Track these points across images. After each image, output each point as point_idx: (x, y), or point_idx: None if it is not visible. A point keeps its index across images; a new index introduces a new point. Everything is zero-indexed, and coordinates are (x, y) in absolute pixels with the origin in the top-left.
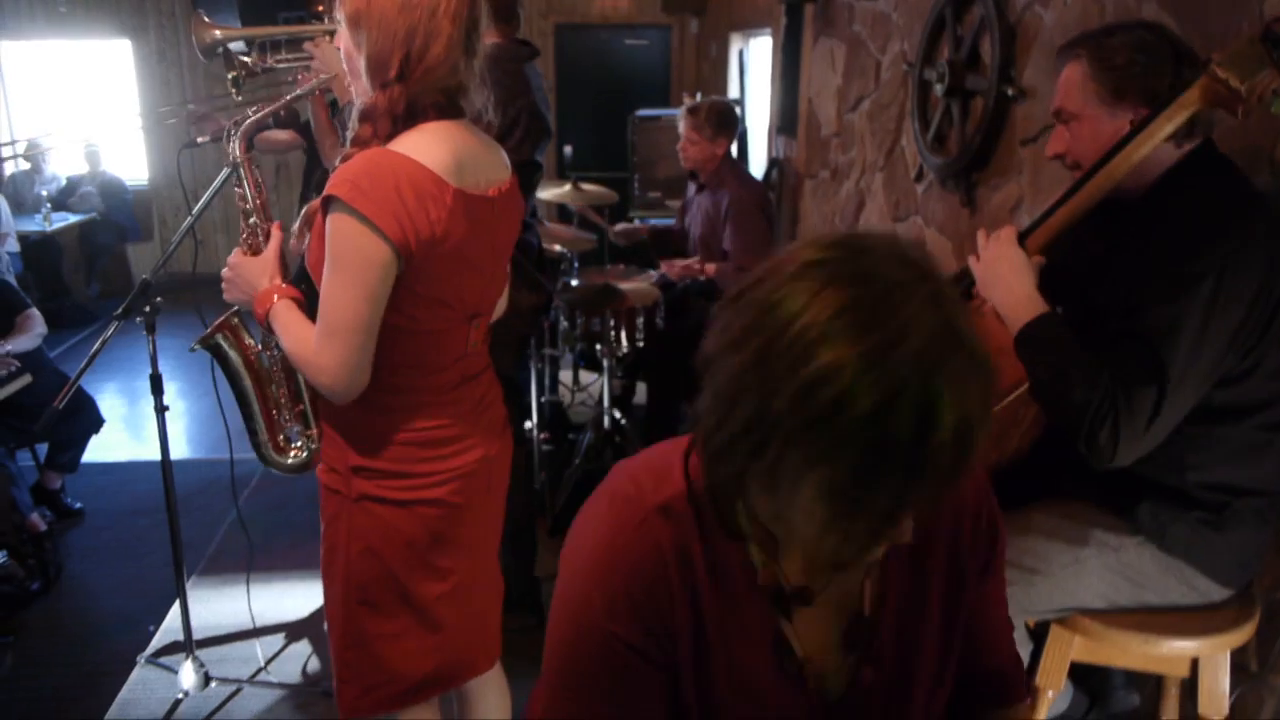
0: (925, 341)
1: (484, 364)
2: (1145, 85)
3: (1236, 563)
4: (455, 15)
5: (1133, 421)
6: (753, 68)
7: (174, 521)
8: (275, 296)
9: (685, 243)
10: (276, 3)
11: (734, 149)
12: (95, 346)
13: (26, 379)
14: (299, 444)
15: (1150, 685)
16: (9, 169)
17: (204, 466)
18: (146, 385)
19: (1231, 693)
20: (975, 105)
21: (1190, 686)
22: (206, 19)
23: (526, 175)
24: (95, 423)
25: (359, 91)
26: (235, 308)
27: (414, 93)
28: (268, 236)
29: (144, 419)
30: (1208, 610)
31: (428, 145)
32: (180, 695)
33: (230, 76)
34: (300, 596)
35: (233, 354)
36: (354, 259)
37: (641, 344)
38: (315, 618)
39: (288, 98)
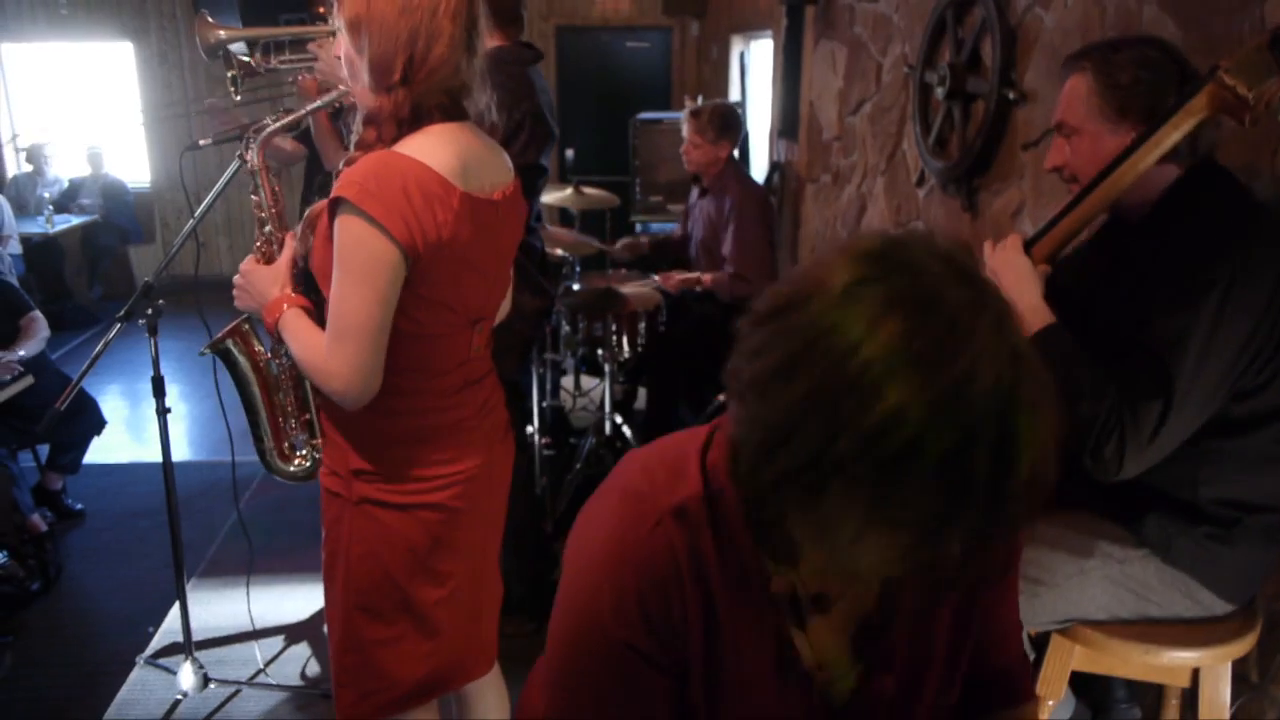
0: (996, 375)
1: (486, 368)
2: (1148, 104)
3: (1242, 579)
4: (455, 14)
5: (1138, 435)
6: (754, 70)
7: (174, 523)
8: (285, 305)
9: (687, 249)
10: (278, 4)
11: (736, 152)
12: (97, 348)
13: (29, 380)
14: (304, 452)
15: (1151, 695)
16: (11, 171)
17: (205, 469)
18: (148, 387)
19: (1232, 703)
20: (976, 108)
21: (1191, 697)
22: (210, 19)
23: (531, 179)
24: (97, 424)
25: (361, 95)
26: (246, 314)
27: (418, 95)
28: (282, 245)
29: (146, 421)
30: (1209, 621)
31: (433, 148)
32: (179, 696)
33: (229, 75)
34: (300, 599)
35: (242, 360)
36: (363, 261)
37: (643, 348)
38: (315, 620)
39: (309, 108)
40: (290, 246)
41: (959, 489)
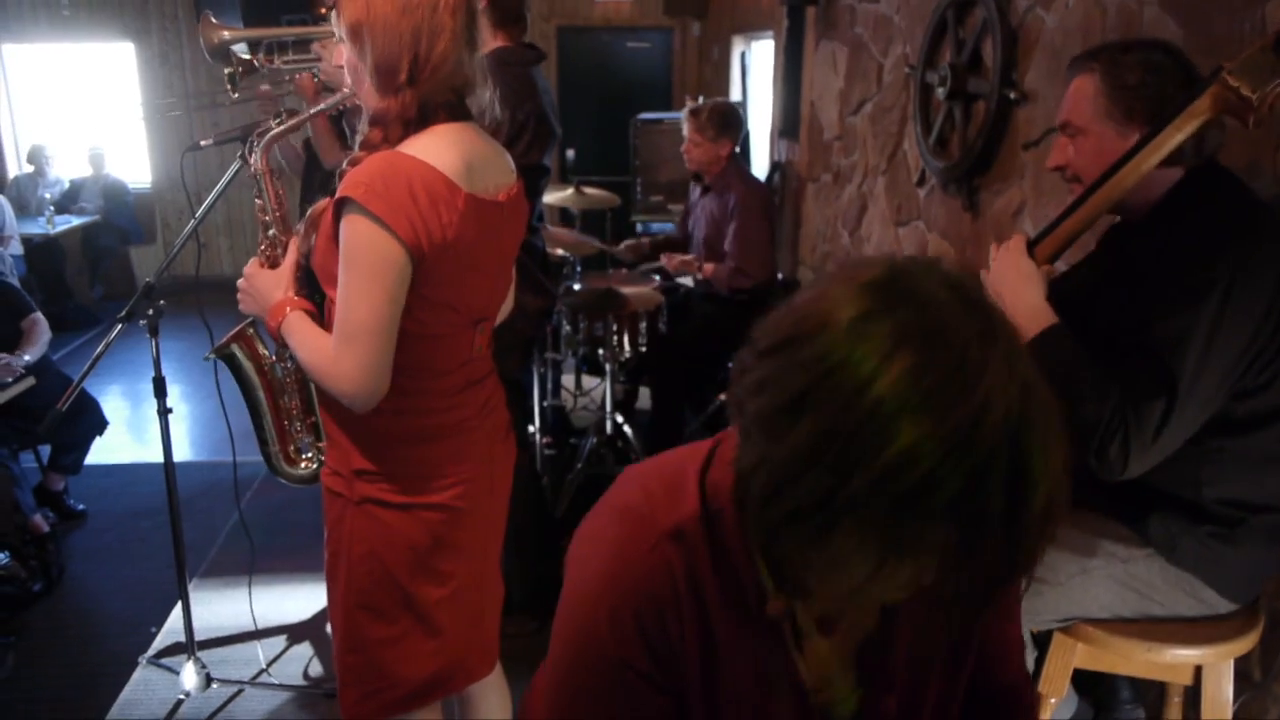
0: (1007, 409)
1: (488, 368)
2: (1153, 107)
3: (1246, 578)
4: (455, 9)
5: (1142, 435)
6: (755, 70)
7: (176, 523)
8: (288, 309)
9: (687, 248)
10: (280, 4)
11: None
12: (98, 349)
13: (30, 381)
14: (309, 454)
15: (1154, 693)
16: (12, 171)
17: (206, 469)
18: (149, 388)
19: (1235, 701)
20: (977, 109)
21: (1193, 695)
22: (214, 20)
23: (534, 179)
24: (98, 425)
25: (366, 98)
26: (250, 318)
27: (424, 94)
28: (285, 248)
29: (147, 421)
30: (1212, 619)
31: (439, 149)
32: (182, 696)
33: (227, 73)
34: (302, 598)
35: (247, 364)
36: (370, 261)
37: (644, 348)
38: (317, 619)
39: (313, 110)
40: (294, 249)
41: (974, 523)
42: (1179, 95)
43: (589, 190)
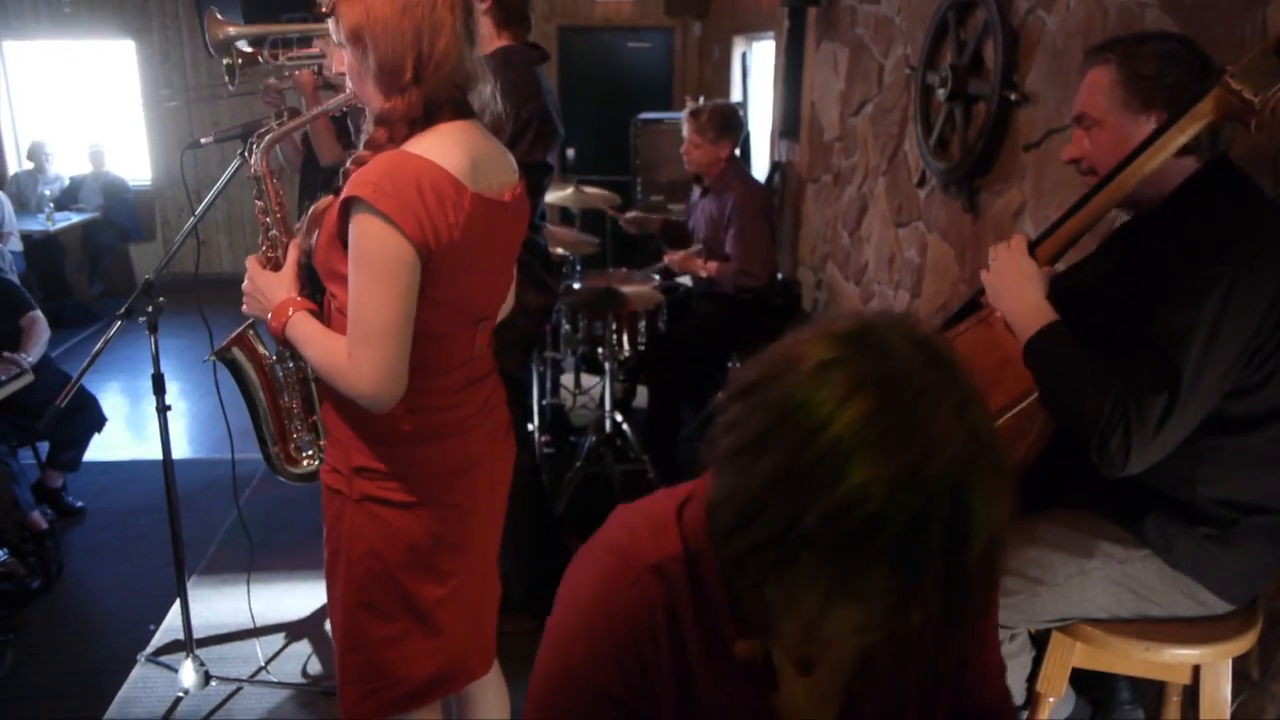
0: (954, 456)
1: (489, 367)
2: (1172, 97)
3: (1243, 579)
4: (453, 5)
5: (1144, 428)
6: (755, 71)
7: (175, 521)
8: (291, 309)
9: (692, 241)
10: (280, 2)
11: (737, 151)
12: (98, 346)
13: (29, 377)
14: (310, 453)
15: (1152, 692)
16: (12, 168)
17: (205, 466)
18: (148, 385)
19: (1233, 700)
20: (978, 110)
21: (1192, 694)
22: (220, 16)
23: (537, 177)
24: (97, 422)
25: (371, 99)
26: (250, 320)
27: (429, 92)
28: (286, 249)
29: (146, 418)
30: (1210, 619)
31: (445, 148)
32: (180, 694)
33: (225, 64)
34: (301, 596)
35: (247, 366)
36: (382, 260)
37: (643, 347)
38: (315, 617)
39: (315, 112)
40: (295, 250)
41: (916, 563)
42: (1195, 84)
43: (589, 189)
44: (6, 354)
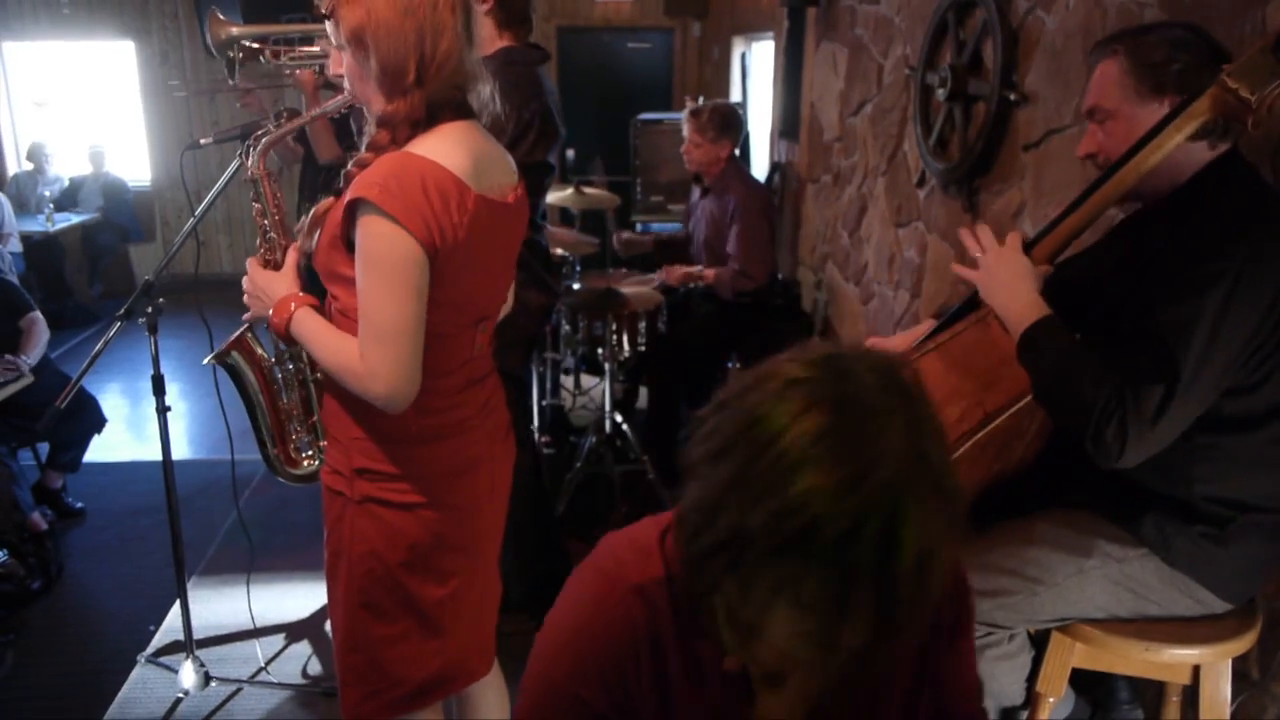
0: (894, 472)
1: (488, 368)
2: (1184, 81)
3: (1241, 578)
4: (454, 6)
5: (1140, 418)
6: (755, 71)
7: (175, 521)
8: (293, 305)
9: (688, 249)
10: (280, 3)
11: (737, 151)
12: (97, 347)
13: (29, 379)
14: (310, 453)
15: (1152, 693)
16: (12, 169)
17: (205, 467)
18: (148, 386)
19: (1233, 700)
20: (977, 110)
21: (1191, 694)
22: (222, 17)
23: (539, 177)
24: (97, 423)
25: (370, 101)
26: (248, 323)
27: (431, 93)
28: (285, 252)
29: (146, 419)
30: (1209, 619)
31: (447, 149)
32: (180, 695)
33: (227, 56)
34: (300, 597)
35: (246, 370)
36: (392, 261)
37: (643, 348)
38: (315, 618)
39: (313, 114)
40: (295, 252)
41: (848, 571)
42: (1206, 68)
43: (589, 190)
44: (7, 356)
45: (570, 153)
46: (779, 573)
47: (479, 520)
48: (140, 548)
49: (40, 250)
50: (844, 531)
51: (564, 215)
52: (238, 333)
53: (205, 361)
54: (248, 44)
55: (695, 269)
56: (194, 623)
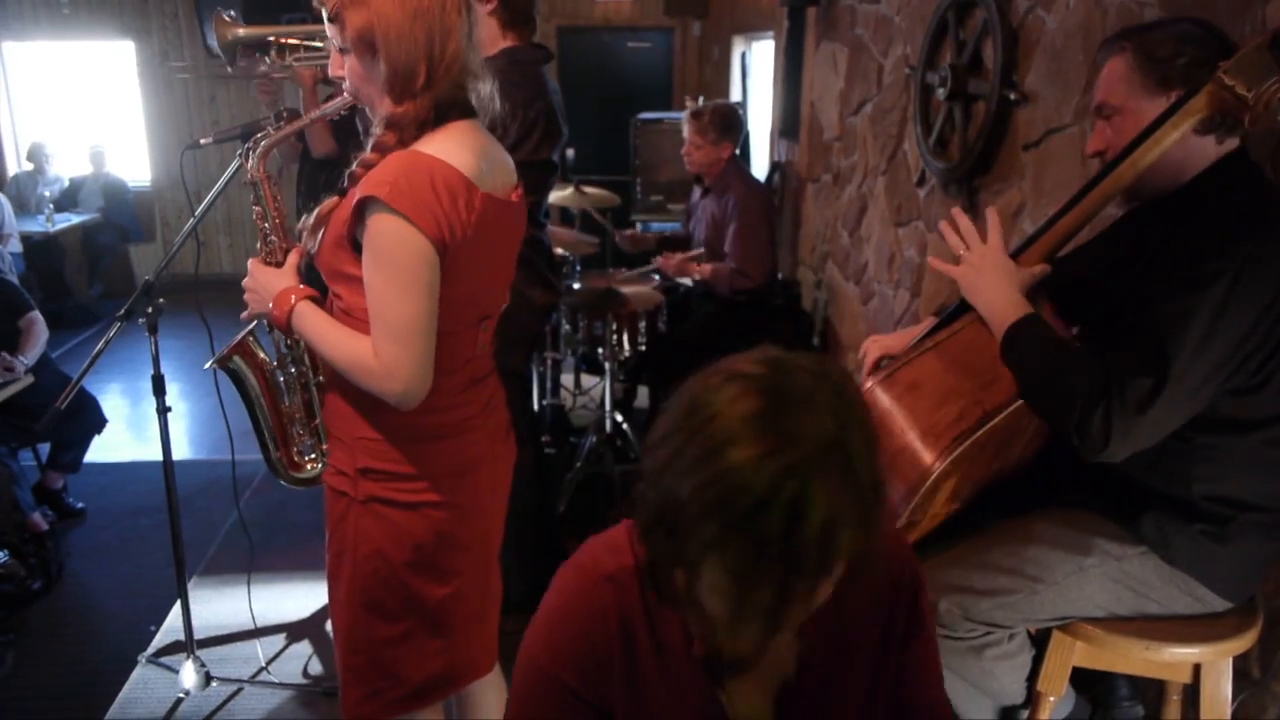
0: (810, 450)
1: (489, 367)
2: (1190, 76)
3: (1240, 576)
4: (459, 7)
5: (1125, 408)
6: (755, 71)
7: (175, 522)
8: (293, 297)
9: (689, 249)
10: (280, 4)
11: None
12: (98, 347)
13: (29, 379)
14: (312, 456)
15: (1153, 692)
16: (12, 169)
17: (205, 467)
18: (149, 386)
19: (1233, 699)
20: (977, 109)
21: (1192, 693)
22: (227, 18)
23: (543, 175)
24: (98, 423)
25: (375, 104)
26: (250, 328)
27: (439, 95)
28: (285, 253)
29: (146, 419)
30: (1210, 617)
31: (454, 149)
32: (181, 695)
33: (232, 57)
34: (301, 597)
35: (249, 374)
36: (403, 259)
37: (643, 347)
38: (316, 618)
39: (314, 115)
40: (297, 253)
41: (759, 540)
42: (1214, 61)
43: (589, 190)
44: (6, 356)
45: (570, 152)
46: (704, 537)
47: (482, 519)
48: (141, 548)
49: (40, 250)
50: (759, 499)
51: (564, 215)
52: (240, 336)
53: (207, 366)
54: (268, 41)
55: (693, 253)
56: (195, 623)
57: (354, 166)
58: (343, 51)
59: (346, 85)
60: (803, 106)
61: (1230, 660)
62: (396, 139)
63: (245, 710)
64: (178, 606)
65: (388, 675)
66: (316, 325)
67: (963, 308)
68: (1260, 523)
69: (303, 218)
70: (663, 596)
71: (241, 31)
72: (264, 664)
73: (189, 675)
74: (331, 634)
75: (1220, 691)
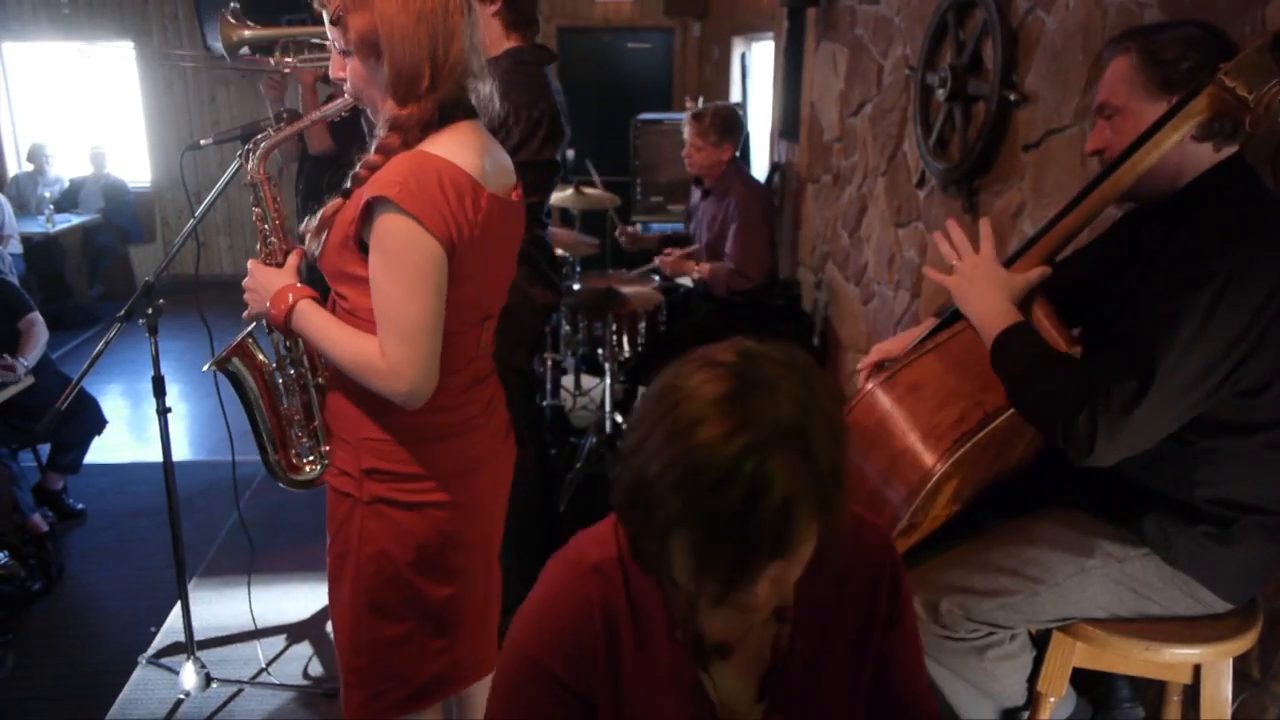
0: (772, 431)
1: (490, 367)
2: (1191, 80)
3: (1242, 578)
4: (461, 8)
5: (1110, 410)
6: (755, 71)
7: (175, 523)
8: (291, 296)
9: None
10: (281, 4)
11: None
12: (98, 348)
13: (29, 380)
14: (311, 458)
15: (1153, 692)
16: (12, 170)
17: (205, 468)
18: (149, 387)
19: (1234, 700)
20: (977, 110)
21: (1192, 694)
22: (232, 19)
23: (547, 175)
24: (98, 424)
25: (378, 106)
26: (249, 329)
27: (443, 96)
28: (285, 255)
29: (146, 420)
30: (1210, 618)
31: (459, 149)
32: (181, 696)
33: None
34: (301, 598)
35: (247, 376)
36: (413, 259)
37: (643, 348)
38: (316, 619)
39: (314, 116)
40: (297, 254)
41: (719, 515)
42: (1218, 64)
43: (589, 190)
44: (6, 358)
45: (570, 153)
46: (669, 511)
47: (484, 519)
48: (141, 549)
49: (40, 251)
50: (720, 476)
51: (564, 216)
52: (239, 339)
53: (205, 369)
54: (273, 42)
55: (692, 248)
56: (195, 624)
57: (357, 168)
58: (344, 54)
59: (348, 87)
60: (803, 107)
61: (1230, 661)
62: (400, 141)
63: (245, 711)
64: (178, 607)
65: (391, 676)
66: (319, 324)
67: (961, 312)
68: (1263, 525)
69: (305, 220)
70: (645, 568)
71: (249, 33)
72: (264, 665)
73: (189, 676)
74: (332, 635)
75: (1220, 692)
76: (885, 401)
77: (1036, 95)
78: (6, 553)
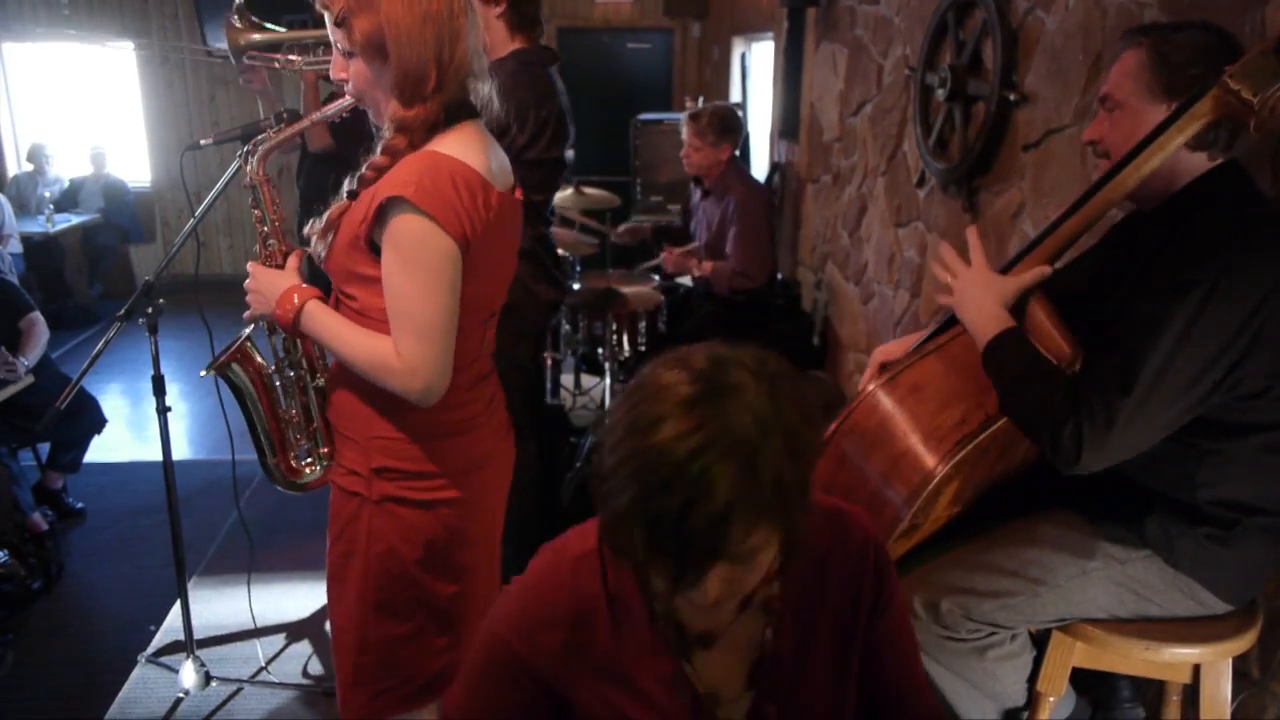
0: (721, 438)
1: (491, 366)
2: (1193, 88)
3: (1243, 580)
4: (464, 9)
5: (1095, 421)
6: (755, 72)
7: (175, 521)
8: (297, 297)
9: (687, 243)
10: (281, 5)
11: (737, 153)
12: (98, 347)
13: (29, 380)
14: (309, 460)
15: (1152, 692)
16: (12, 170)
17: (205, 467)
18: (149, 386)
19: (1233, 699)
20: (977, 110)
21: (1192, 693)
22: (238, 24)
23: (554, 174)
24: (98, 423)
25: (375, 104)
26: (247, 332)
27: (448, 97)
28: (285, 257)
29: (146, 420)
30: (1210, 618)
31: (467, 148)
32: (181, 694)
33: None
34: (301, 597)
35: (246, 381)
36: (429, 258)
37: (643, 347)
38: (316, 618)
39: (313, 118)
40: (297, 255)
41: (659, 517)
42: (1224, 68)
43: (589, 190)
44: (9, 358)
45: (570, 153)
46: (622, 503)
47: (488, 516)
48: (141, 548)
49: (40, 251)
50: (666, 476)
51: (563, 216)
52: (237, 342)
53: (203, 373)
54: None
55: (691, 246)
56: (194, 622)
57: (363, 169)
58: (348, 55)
59: (350, 88)
60: (802, 107)
61: (1230, 661)
62: (406, 142)
63: (245, 710)
64: (177, 606)
65: (396, 674)
66: (330, 325)
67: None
68: (1266, 526)
69: (310, 222)
70: (616, 556)
71: (257, 36)
72: (264, 664)
73: (189, 675)
74: (331, 634)
75: (1220, 692)
76: (887, 403)
77: (1036, 95)
78: (6, 551)
